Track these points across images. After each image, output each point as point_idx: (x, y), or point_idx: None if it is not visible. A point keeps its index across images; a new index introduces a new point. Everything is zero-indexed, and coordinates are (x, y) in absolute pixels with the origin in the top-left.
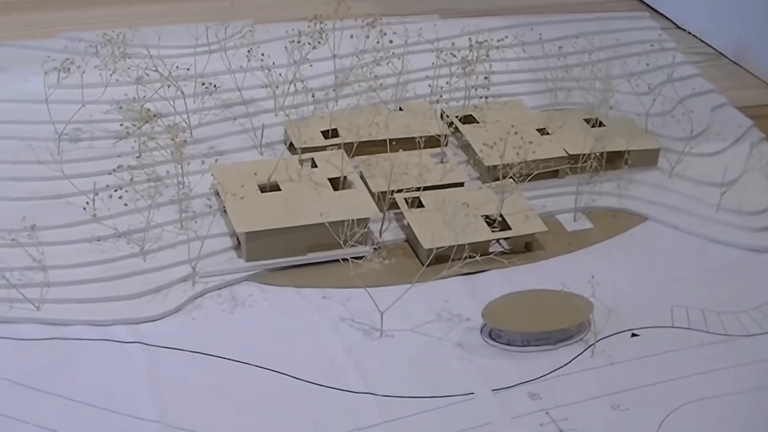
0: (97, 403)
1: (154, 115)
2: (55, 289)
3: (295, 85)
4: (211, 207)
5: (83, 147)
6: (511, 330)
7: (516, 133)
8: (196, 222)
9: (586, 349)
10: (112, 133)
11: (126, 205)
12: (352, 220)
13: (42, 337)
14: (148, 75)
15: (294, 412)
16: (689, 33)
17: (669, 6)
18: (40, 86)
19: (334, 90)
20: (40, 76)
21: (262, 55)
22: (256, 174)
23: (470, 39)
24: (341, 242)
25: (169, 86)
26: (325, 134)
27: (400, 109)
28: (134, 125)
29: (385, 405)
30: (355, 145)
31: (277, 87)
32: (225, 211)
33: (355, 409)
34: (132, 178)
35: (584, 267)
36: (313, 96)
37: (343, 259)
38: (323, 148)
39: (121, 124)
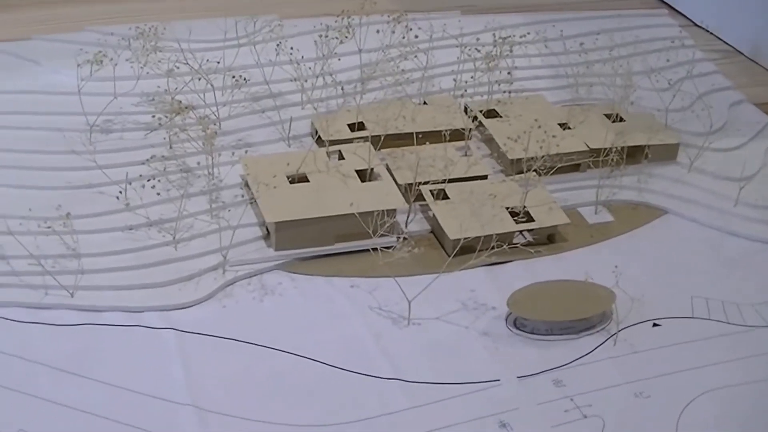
0: (130, 387)
1: (186, 107)
2: (89, 276)
3: (324, 79)
4: (242, 197)
5: (114, 138)
6: (535, 319)
7: (539, 126)
8: (228, 211)
9: (608, 339)
10: (142, 125)
11: (159, 194)
12: (381, 210)
13: (76, 323)
14: (178, 68)
15: (323, 397)
16: (706, 30)
17: (685, 3)
18: (71, 78)
19: (361, 83)
20: (72, 68)
21: (291, 48)
22: (286, 165)
23: (494, 35)
24: (370, 232)
25: (199, 79)
26: (352, 127)
27: (425, 103)
28: (166, 117)
29: (412, 391)
30: (382, 138)
31: (305, 80)
32: (255, 201)
33: (384, 394)
34: (165, 168)
35: (606, 258)
36: (342, 89)
37: (372, 249)
38: (350, 141)
39: (153, 116)
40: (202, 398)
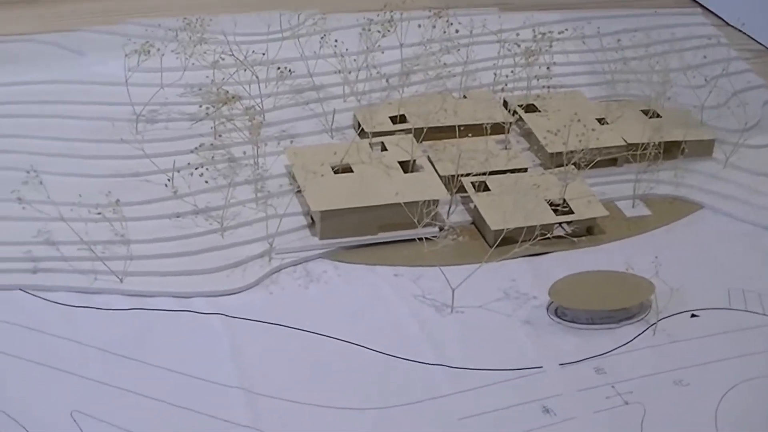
0: (180, 370)
1: (233, 97)
2: (138, 262)
3: (369, 71)
4: (288, 186)
5: (159, 128)
6: (576, 308)
7: (579, 120)
8: (273, 201)
9: (648, 328)
10: (186, 115)
11: (207, 182)
12: (425, 201)
13: (125, 308)
14: (223, 59)
15: (369, 381)
16: (739, 30)
17: (717, 3)
18: (116, 69)
19: (405, 76)
20: (117, 59)
21: (335, 41)
22: (332, 155)
23: (534, 30)
24: (416, 221)
25: (245, 70)
26: (393, 120)
27: (464, 97)
28: (212, 107)
29: (457, 376)
30: (425, 131)
31: (349, 72)
32: (300, 190)
33: (429, 379)
34: (213, 157)
35: (644, 250)
36: (387, 81)
37: (417, 239)
38: (392, 133)
39: (200, 105)
40: (250, 381)
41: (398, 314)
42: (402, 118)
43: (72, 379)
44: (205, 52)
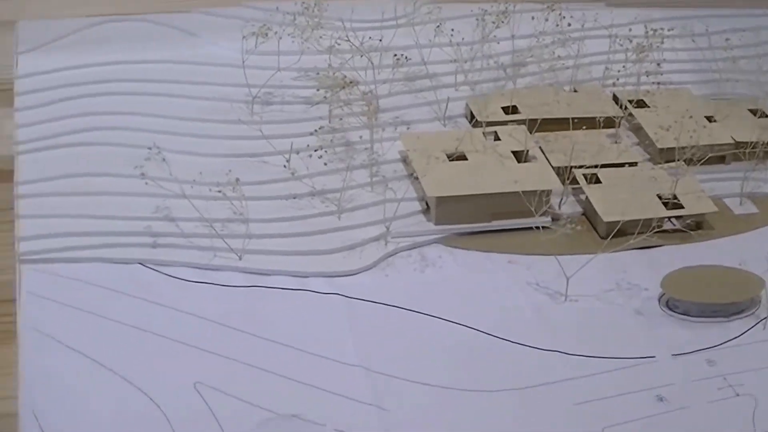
0: (300, 346)
1: (350, 82)
2: (256, 241)
3: (484, 62)
4: (402, 172)
5: (275, 110)
6: (688, 300)
7: (691, 117)
8: (389, 185)
9: (758, 323)
10: (301, 98)
11: (326, 164)
12: (540, 190)
13: (243, 285)
14: (339, 45)
15: (483, 364)
16: None
17: None
18: (230, 51)
19: (520, 67)
20: (231, 41)
21: (452, 30)
22: (446, 142)
23: (645, 26)
24: (533, 210)
25: (361, 56)
26: (505, 110)
27: (575, 90)
28: (330, 91)
29: (572, 363)
30: (538, 122)
31: (465, 62)
32: (415, 176)
33: (544, 365)
34: (332, 140)
35: (754, 247)
36: (505, 71)
37: (528, 228)
38: (505, 123)
39: (318, 89)
40: (370, 360)
41: (513, 300)
42: (514, 109)
43: (193, 352)
44: (321, 37)
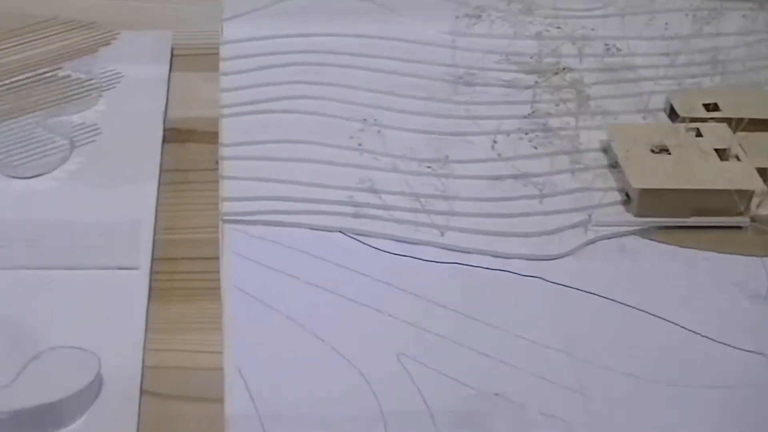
0: (500, 325)
1: (563, 69)
2: (457, 219)
3: (692, 57)
4: (604, 161)
5: (479, 92)
6: None
7: None
8: (590, 174)
9: None
10: (504, 81)
11: (536, 148)
12: (743, 190)
13: (443, 261)
14: (548, 31)
15: (682, 361)
16: None
17: None
18: (433, 30)
19: (718, 65)
20: (437, 20)
21: (666, 23)
22: (650, 135)
23: None
24: (741, 209)
25: (573, 43)
26: (707, 107)
27: None
28: (542, 76)
29: None
30: (745, 121)
31: (669, 55)
32: (617, 166)
33: (744, 366)
34: (546, 124)
35: None
36: (709, 68)
37: (723, 227)
38: (706, 120)
39: (528, 74)
40: (572, 346)
41: (711, 298)
42: (715, 107)
43: (395, 323)
44: (530, 22)
